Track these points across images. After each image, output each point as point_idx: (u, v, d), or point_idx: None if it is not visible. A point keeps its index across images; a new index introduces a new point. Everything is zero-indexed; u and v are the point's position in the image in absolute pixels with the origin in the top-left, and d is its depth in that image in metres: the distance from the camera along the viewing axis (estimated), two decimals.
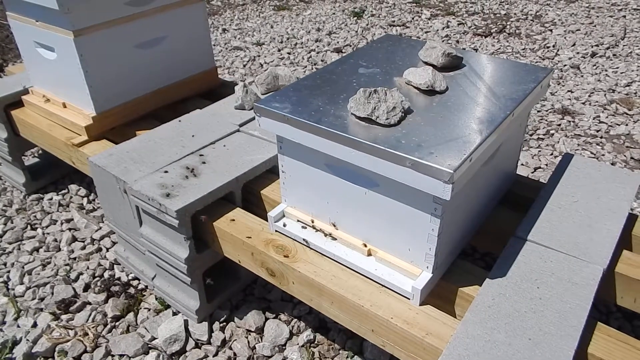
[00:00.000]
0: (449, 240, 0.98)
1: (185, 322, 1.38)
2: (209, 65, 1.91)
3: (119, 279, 1.58)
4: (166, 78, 1.78)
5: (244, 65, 3.05)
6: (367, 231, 1.05)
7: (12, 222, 1.84)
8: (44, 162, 2.06)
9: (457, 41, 3.40)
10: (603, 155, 2.11)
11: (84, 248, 1.70)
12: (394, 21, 3.80)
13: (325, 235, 1.12)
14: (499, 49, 3.24)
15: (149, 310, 1.46)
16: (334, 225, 1.11)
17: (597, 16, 3.79)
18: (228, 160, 1.36)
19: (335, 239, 1.11)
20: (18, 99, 1.81)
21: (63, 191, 1.98)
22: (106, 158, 1.39)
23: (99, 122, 1.61)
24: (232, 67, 3.05)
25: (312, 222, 1.15)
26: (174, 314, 1.43)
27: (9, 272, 1.63)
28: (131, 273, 1.59)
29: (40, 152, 2.13)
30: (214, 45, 3.36)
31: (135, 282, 1.56)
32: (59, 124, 1.69)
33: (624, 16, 3.77)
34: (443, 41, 3.40)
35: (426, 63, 1.25)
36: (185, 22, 1.77)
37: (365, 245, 1.05)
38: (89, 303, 1.50)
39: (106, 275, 1.60)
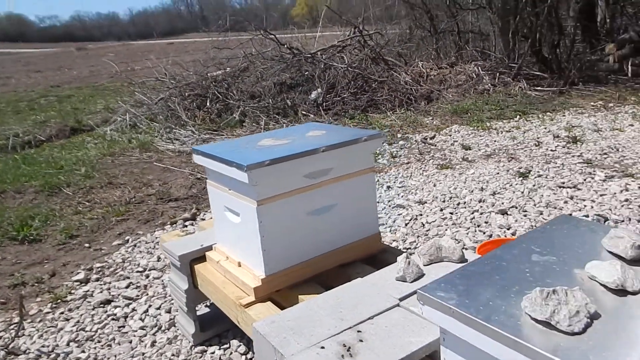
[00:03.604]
0: None
1: None
2: (373, 231, 2.00)
3: None
4: (331, 243, 1.90)
5: (406, 224, 3.12)
6: None
7: None
8: (212, 314, 2.26)
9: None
10: None
11: None
12: (563, 182, 3.62)
13: None
14: None
15: None
16: None
17: None
18: (386, 341, 1.34)
19: None
20: (202, 254, 2.08)
21: (225, 345, 2.11)
22: (268, 325, 1.47)
23: (267, 284, 1.75)
24: (394, 225, 3.15)
25: None
26: None
27: None
28: None
29: (210, 302, 2.35)
30: (378, 202, 3.54)
31: None
32: (232, 282, 1.87)
33: None
34: (622, 206, 3.10)
35: (612, 253, 1.15)
36: (354, 190, 1.92)
37: None
38: None
39: None
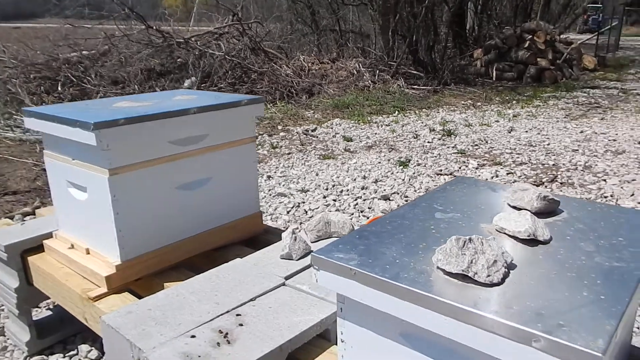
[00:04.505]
0: None
1: None
2: (254, 210, 1.81)
3: None
4: (205, 223, 1.67)
5: (288, 212, 2.98)
6: None
7: None
8: (56, 316, 1.89)
9: None
10: None
11: None
12: (440, 170, 3.82)
13: None
14: None
15: None
16: None
17: None
18: (271, 322, 1.16)
19: None
20: (39, 243, 1.71)
21: (72, 352, 1.77)
22: (123, 317, 1.21)
23: (123, 271, 1.47)
24: (276, 213, 2.99)
25: None
26: None
27: None
28: None
29: (55, 304, 1.98)
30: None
31: None
32: (78, 273, 1.55)
33: None
34: None
35: (515, 208, 1.09)
36: (233, 163, 1.72)
37: None
38: None
39: None
